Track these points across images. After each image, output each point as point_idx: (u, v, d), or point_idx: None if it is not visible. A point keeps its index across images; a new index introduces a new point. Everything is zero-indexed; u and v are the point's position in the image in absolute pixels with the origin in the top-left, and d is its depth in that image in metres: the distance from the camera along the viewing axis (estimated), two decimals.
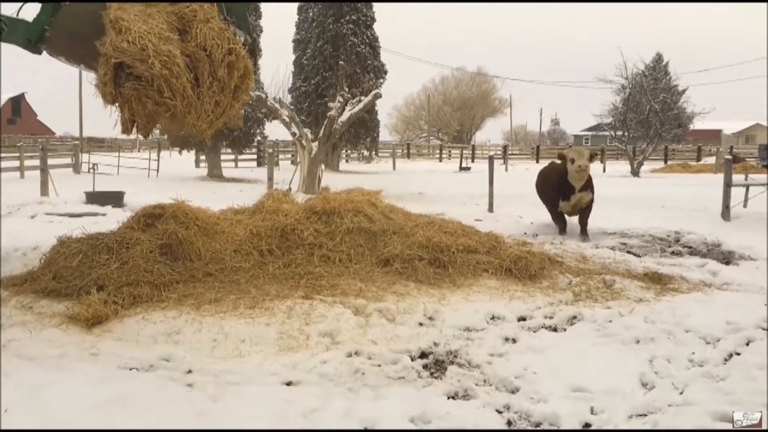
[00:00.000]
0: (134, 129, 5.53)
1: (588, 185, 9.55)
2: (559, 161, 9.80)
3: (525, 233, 9.64)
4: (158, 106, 5.25)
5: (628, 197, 15.36)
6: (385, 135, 59.42)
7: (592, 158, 9.47)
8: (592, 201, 9.63)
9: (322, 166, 16.32)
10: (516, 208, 12.34)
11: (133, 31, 5.11)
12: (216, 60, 5.53)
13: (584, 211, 9.56)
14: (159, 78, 5.13)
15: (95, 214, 11.03)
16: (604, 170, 30.37)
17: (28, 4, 5.96)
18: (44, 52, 5.94)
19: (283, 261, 6.68)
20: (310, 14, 30.18)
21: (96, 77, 5.52)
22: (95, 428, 3.38)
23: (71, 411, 3.51)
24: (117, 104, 5.34)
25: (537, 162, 38.94)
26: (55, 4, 5.68)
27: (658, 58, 44.30)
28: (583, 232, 9.38)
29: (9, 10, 5.89)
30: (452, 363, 4.45)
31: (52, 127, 68.59)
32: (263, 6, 24.00)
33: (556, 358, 4.55)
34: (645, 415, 3.72)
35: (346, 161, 38.48)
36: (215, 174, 22.98)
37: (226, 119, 5.91)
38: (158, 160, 24.29)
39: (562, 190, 9.51)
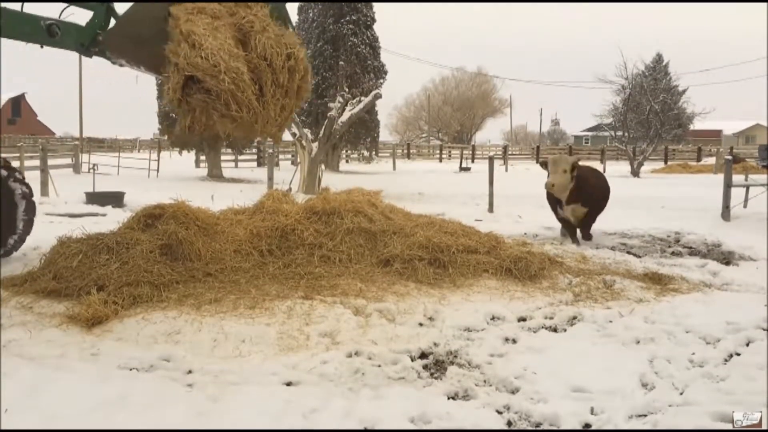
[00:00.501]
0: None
1: (577, 198, 8.79)
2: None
3: (525, 233, 9.64)
4: (224, 118, 5.41)
5: (629, 197, 15.35)
6: (385, 135, 59.47)
7: (573, 169, 8.58)
8: (587, 214, 9.00)
9: (322, 167, 16.34)
10: (516, 209, 12.35)
11: (206, 47, 5.27)
12: (277, 67, 5.67)
13: (581, 222, 9.07)
14: (227, 93, 5.29)
15: (95, 215, 11.04)
16: (604, 170, 30.38)
17: (73, 9, 6.12)
18: (93, 56, 6.12)
19: (283, 261, 6.69)
20: (310, 14, 30.20)
21: (162, 79, 5.72)
22: (95, 428, 3.38)
23: (71, 411, 3.51)
24: (181, 109, 5.50)
25: (537, 162, 38.92)
26: (107, 9, 5.87)
27: (658, 58, 44.36)
28: (583, 237, 9.11)
29: (55, 13, 6.03)
30: (452, 363, 4.45)
31: (52, 127, 68.71)
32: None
33: (556, 358, 4.55)
34: (645, 416, 3.72)
35: (346, 161, 38.48)
36: (215, 174, 22.99)
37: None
38: (158, 160, 24.29)
39: (557, 199, 8.97)
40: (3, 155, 6.51)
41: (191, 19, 5.51)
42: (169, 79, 5.37)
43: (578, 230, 9.16)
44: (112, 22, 6.02)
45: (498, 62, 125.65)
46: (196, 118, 5.41)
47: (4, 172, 6.95)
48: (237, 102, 5.33)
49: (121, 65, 5.96)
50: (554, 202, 9.10)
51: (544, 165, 9.00)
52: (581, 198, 8.79)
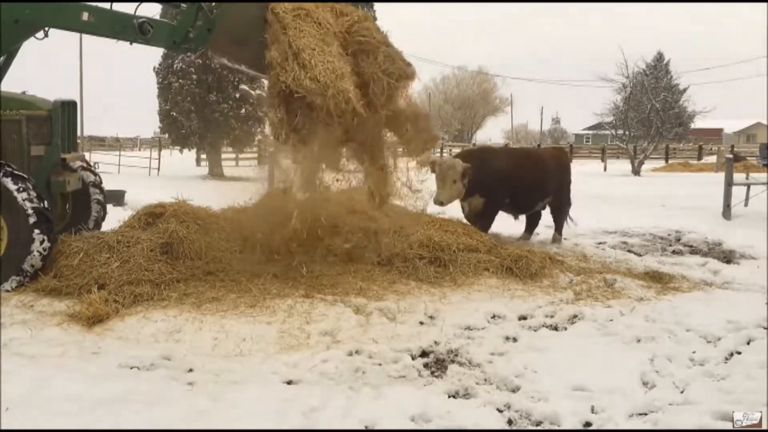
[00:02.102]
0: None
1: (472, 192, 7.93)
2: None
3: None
4: (324, 129, 5.61)
5: (629, 196, 15.36)
6: None
7: (464, 177, 7.69)
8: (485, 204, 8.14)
9: (323, 165, 16.31)
10: None
11: (316, 69, 5.36)
12: (387, 85, 5.83)
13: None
14: (332, 111, 5.42)
15: None
16: (605, 169, 30.37)
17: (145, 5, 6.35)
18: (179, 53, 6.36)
19: (283, 260, 6.66)
20: None
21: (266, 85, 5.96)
22: (96, 427, 3.38)
23: (72, 409, 3.51)
24: (278, 118, 5.74)
25: None
26: (197, 9, 6.05)
27: (659, 56, 44.21)
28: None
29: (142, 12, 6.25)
30: (453, 362, 4.45)
31: None
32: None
33: (556, 357, 4.55)
34: (645, 414, 3.72)
35: (346, 161, 38.36)
36: (216, 173, 23.00)
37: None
38: (159, 158, 24.30)
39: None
40: None
41: (299, 27, 5.50)
42: (272, 88, 5.49)
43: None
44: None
45: (499, 61, 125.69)
46: (296, 128, 5.51)
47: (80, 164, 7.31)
48: (339, 117, 5.45)
49: (222, 64, 6.05)
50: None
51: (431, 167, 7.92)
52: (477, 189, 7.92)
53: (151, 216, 6.76)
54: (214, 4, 6.10)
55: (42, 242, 5.70)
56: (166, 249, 6.25)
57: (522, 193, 8.41)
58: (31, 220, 5.63)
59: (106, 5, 6.16)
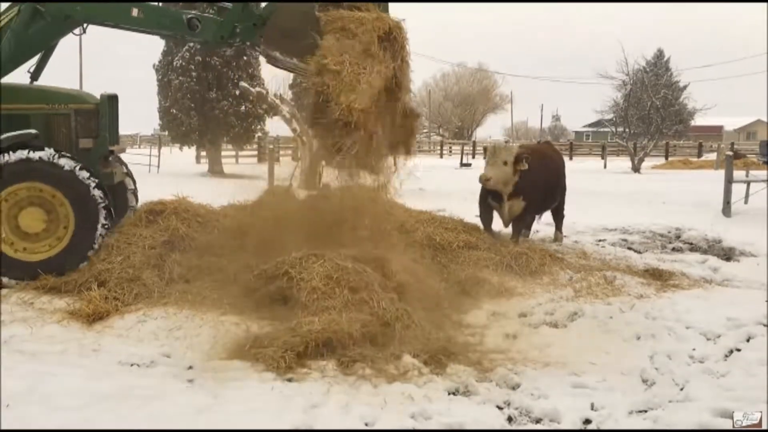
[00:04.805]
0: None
1: (518, 192, 7.62)
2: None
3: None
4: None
5: (629, 193, 15.35)
6: None
7: (517, 162, 7.44)
8: (524, 209, 7.79)
9: (323, 163, 16.30)
10: None
11: (362, 96, 5.51)
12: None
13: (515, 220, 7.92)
14: (367, 128, 5.64)
15: None
16: (605, 166, 30.37)
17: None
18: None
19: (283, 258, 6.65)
20: None
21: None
22: (96, 423, 3.38)
23: (72, 405, 3.51)
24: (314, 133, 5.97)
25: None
26: (243, 7, 6.25)
27: (659, 54, 44.17)
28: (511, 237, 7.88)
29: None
30: (453, 359, 4.45)
31: None
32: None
33: (556, 354, 4.55)
34: (645, 411, 3.73)
35: None
36: (216, 170, 22.96)
37: None
38: (159, 156, 24.26)
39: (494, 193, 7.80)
40: None
41: (344, 59, 5.58)
42: (314, 103, 5.65)
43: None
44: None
45: (499, 58, 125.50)
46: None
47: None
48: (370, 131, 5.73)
49: (274, 57, 6.20)
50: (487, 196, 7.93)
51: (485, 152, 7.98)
52: (520, 192, 7.60)
53: (152, 213, 6.73)
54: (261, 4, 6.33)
55: (103, 236, 6.00)
56: (167, 246, 6.24)
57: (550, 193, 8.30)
58: (102, 214, 5.95)
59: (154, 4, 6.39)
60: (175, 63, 20.76)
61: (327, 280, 5.08)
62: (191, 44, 19.98)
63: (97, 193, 5.94)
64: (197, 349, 4.49)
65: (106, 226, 6.04)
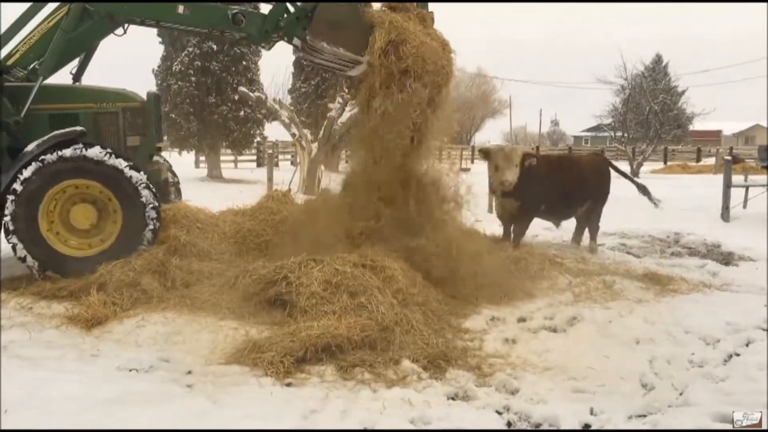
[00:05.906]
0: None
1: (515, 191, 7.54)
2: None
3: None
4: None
5: (628, 198, 15.31)
6: None
7: (523, 162, 7.42)
8: (520, 208, 7.76)
9: (322, 167, 16.29)
10: None
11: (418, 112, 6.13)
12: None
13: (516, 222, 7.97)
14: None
15: None
16: None
17: None
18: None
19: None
20: None
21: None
22: (95, 427, 3.37)
23: (71, 410, 3.51)
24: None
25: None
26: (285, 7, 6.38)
27: (658, 59, 44.23)
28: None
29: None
30: (452, 364, 4.44)
31: None
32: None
33: (556, 359, 4.55)
34: (644, 416, 3.72)
35: (346, 162, 38.42)
36: (215, 175, 22.94)
37: None
38: None
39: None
40: None
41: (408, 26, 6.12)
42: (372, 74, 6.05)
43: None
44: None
45: (497, 63, 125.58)
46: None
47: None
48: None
49: (320, 49, 6.25)
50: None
51: (485, 155, 7.90)
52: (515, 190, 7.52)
53: None
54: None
55: (153, 231, 6.09)
56: (166, 251, 6.23)
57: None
58: (151, 214, 6.03)
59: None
60: (174, 68, 20.77)
61: (326, 284, 5.08)
62: (190, 49, 20.05)
63: (146, 193, 5.98)
64: (196, 354, 4.48)
65: (154, 226, 6.08)
